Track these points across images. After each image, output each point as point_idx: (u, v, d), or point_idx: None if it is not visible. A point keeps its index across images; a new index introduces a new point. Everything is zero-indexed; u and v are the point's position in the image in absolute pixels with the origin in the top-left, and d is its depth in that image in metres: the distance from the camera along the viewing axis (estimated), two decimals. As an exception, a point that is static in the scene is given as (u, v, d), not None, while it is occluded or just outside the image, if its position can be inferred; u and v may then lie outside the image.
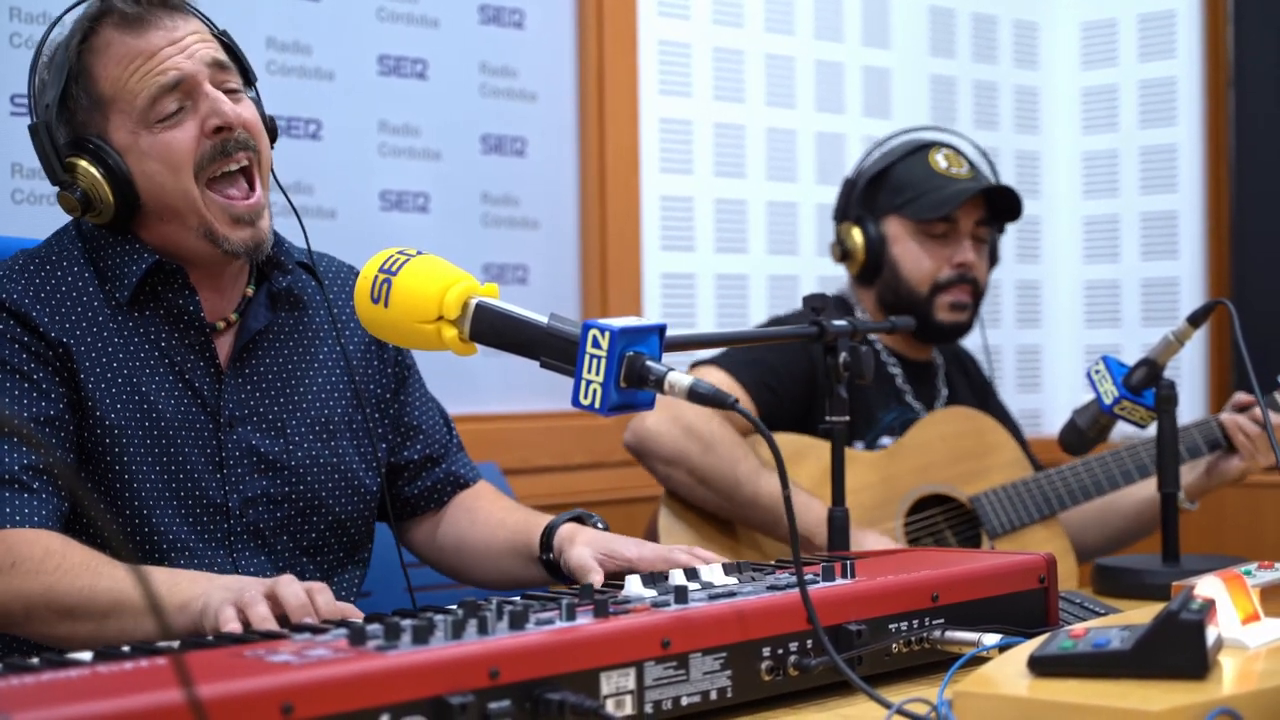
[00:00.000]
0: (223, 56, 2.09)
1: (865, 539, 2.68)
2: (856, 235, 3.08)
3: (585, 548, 2.01)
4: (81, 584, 1.84)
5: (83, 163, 2.03)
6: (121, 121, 2.03)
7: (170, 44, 2.04)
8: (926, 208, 3.05)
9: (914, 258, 3.07)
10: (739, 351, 2.95)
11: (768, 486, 2.76)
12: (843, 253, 3.10)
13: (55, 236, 2.13)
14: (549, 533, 2.12)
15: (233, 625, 1.67)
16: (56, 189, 2.07)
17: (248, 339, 2.13)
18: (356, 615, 1.69)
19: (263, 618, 1.67)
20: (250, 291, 2.16)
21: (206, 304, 2.11)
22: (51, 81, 2.06)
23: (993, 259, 3.18)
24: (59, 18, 2.09)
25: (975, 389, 3.28)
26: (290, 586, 1.71)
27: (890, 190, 3.08)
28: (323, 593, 1.73)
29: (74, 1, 2.10)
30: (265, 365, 2.15)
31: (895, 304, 3.08)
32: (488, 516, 2.26)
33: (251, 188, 2.08)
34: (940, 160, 3.10)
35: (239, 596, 1.71)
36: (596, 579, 1.94)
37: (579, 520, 2.14)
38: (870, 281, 3.11)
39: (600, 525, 2.13)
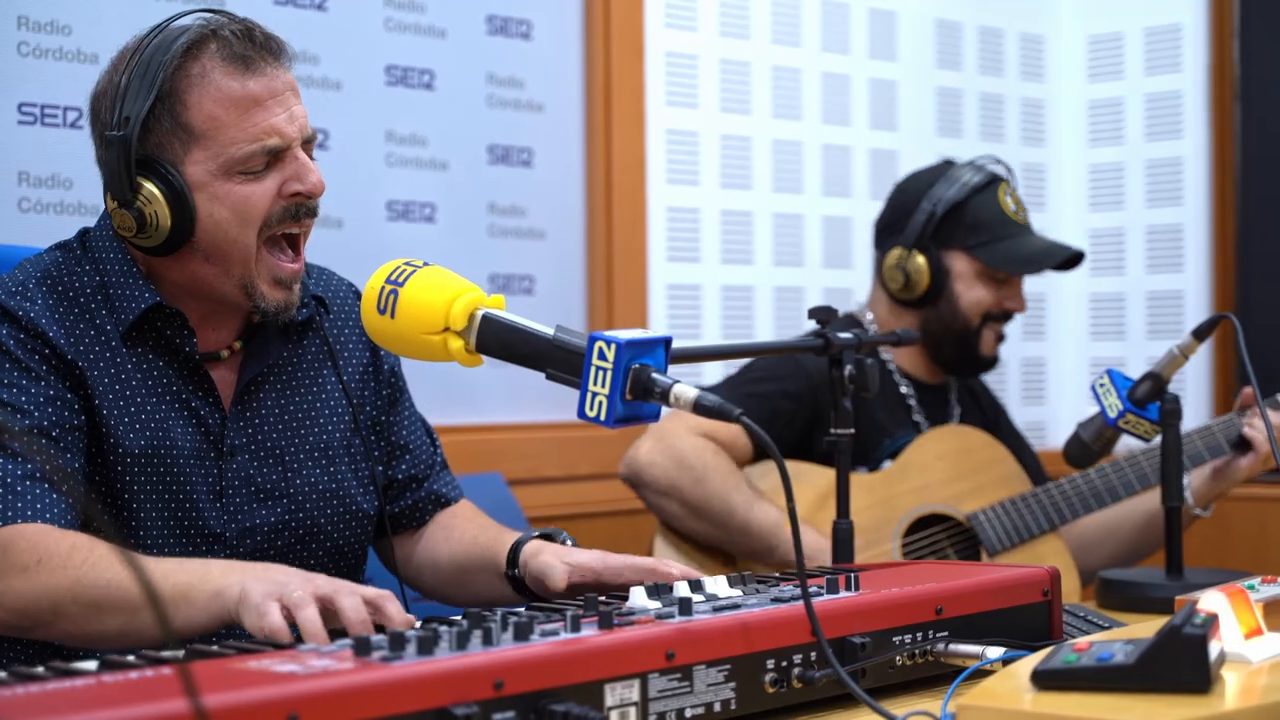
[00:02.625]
0: (312, 130, 2.07)
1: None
2: (922, 263, 3.05)
3: (551, 558, 2.00)
4: (109, 576, 1.79)
5: (151, 187, 1.99)
6: (202, 159, 1.99)
7: (272, 97, 2.01)
8: (1005, 260, 3.05)
9: (975, 296, 3.07)
10: (740, 387, 2.94)
11: (760, 515, 2.78)
12: (905, 279, 3.07)
13: (63, 255, 2.08)
14: (516, 549, 2.10)
15: (284, 632, 1.59)
16: (114, 203, 2.01)
17: (255, 371, 2.12)
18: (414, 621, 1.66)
19: (313, 624, 1.59)
20: (256, 319, 2.14)
21: (209, 336, 2.10)
22: (137, 93, 1.99)
23: None
24: (163, 24, 2.03)
25: (986, 412, 3.28)
26: (350, 598, 1.63)
27: (965, 227, 3.06)
28: (392, 600, 1.66)
29: (180, 11, 2.05)
30: (268, 394, 2.14)
31: (941, 333, 3.09)
32: (461, 534, 2.25)
33: (297, 253, 2.08)
34: (1009, 202, 3.09)
35: (283, 592, 1.64)
36: (560, 580, 1.93)
37: (548, 538, 2.13)
38: (917, 307, 3.10)
39: (569, 542, 2.12)
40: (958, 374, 3.19)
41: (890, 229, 3.13)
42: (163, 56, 1.99)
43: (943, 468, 2.98)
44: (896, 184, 3.20)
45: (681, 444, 2.81)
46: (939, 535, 2.97)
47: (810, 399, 2.91)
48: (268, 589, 1.65)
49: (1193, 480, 2.87)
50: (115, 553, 1.82)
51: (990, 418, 3.27)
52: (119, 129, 1.99)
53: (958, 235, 3.06)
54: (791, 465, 2.85)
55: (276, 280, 2.05)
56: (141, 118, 1.99)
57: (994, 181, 3.10)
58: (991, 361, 3.15)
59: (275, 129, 2.01)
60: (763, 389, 2.91)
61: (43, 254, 2.11)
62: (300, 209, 2.04)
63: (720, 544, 2.86)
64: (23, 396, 1.95)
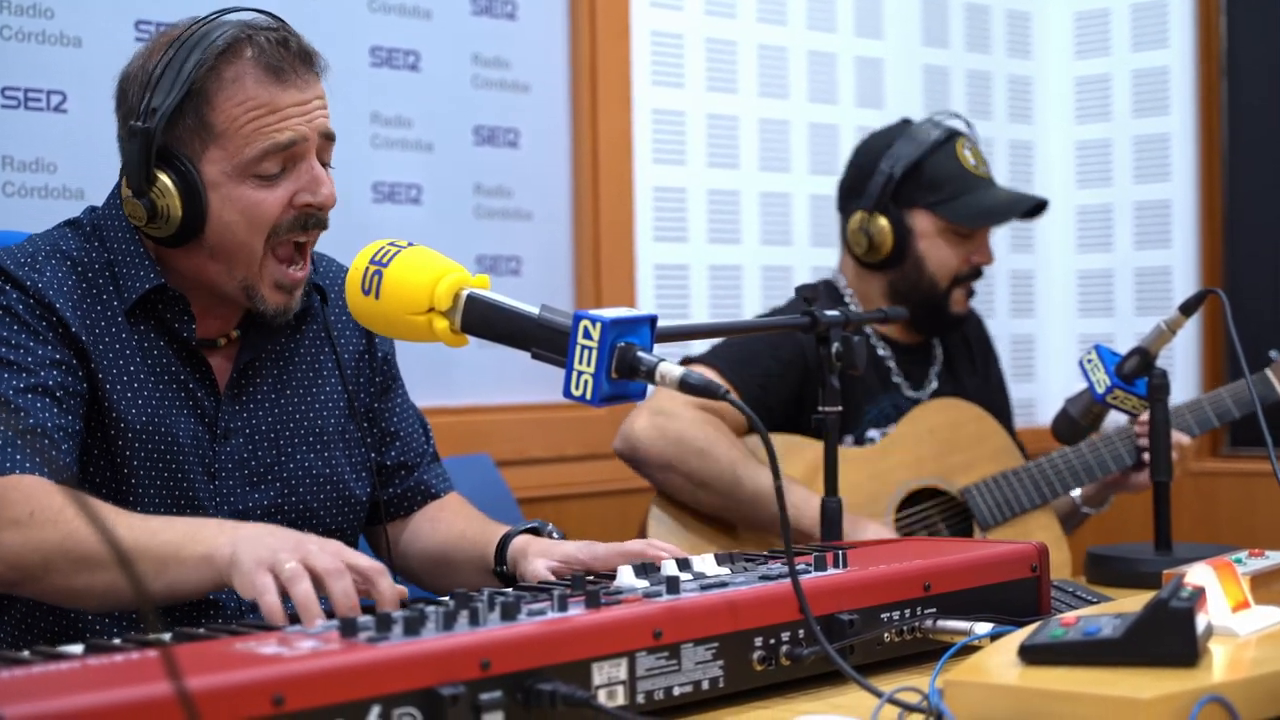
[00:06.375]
0: (332, 129, 2.08)
1: (865, 529, 2.68)
2: (884, 225, 3.04)
3: (539, 559, 2.00)
4: None
5: (167, 180, 2.00)
6: (219, 158, 2.00)
7: (296, 104, 2.02)
8: (968, 215, 3.03)
9: (941, 254, 3.05)
10: (731, 350, 2.94)
11: (767, 482, 2.75)
12: (868, 242, 3.06)
13: (72, 231, 2.09)
14: (503, 545, 2.10)
15: (279, 614, 1.57)
16: (129, 191, 2.02)
17: (251, 357, 2.13)
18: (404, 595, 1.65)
19: (307, 598, 1.57)
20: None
21: (208, 324, 2.11)
22: (166, 88, 1.99)
23: None
24: (206, 19, 2.03)
25: (976, 361, 3.28)
26: (340, 580, 1.61)
27: (924, 186, 3.04)
28: (384, 575, 1.65)
29: (223, 9, 2.05)
30: (264, 379, 2.14)
31: (909, 293, 3.06)
32: (449, 527, 2.25)
33: (304, 262, 2.09)
34: (968, 156, 3.07)
35: (275, 560, 1.62)
36: None
37: (534, 532, 2.12)
38: (883, 270, 3.08)
39: (556, 535, 2.12)
40: (929, 334, 3.17)
41: (851, 192, 3.12)
42: (199, 55, 2.00)
43: (934, 441, 2.99)
44: (856, 146, 3.19)
45: (678, 418, 2.81)
46: (931, 510, 2.97)
47: (800, 364, 2.91)
48: (259, 555, 1.64)
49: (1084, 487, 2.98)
50: (86, 514, 1.79)
51: (980, 366, 3.27)
52: (144, 119, 2.00)
53: (918, 194, 3.05)
54: (783, 438, 2.86)
55: (279, 285, 2.07)
56: (168, 113, 1.99)
57: (952, 137, 3.08)
58: (960, 319, 3.13)
59: (289, 126, 2.02)
60: (757, 365, 2.91)
61: (52, 230, 2.12)
62: (309, 220, 2.06)
63: (724, 513, 2.86)
64: (29, 357, 1.96)
